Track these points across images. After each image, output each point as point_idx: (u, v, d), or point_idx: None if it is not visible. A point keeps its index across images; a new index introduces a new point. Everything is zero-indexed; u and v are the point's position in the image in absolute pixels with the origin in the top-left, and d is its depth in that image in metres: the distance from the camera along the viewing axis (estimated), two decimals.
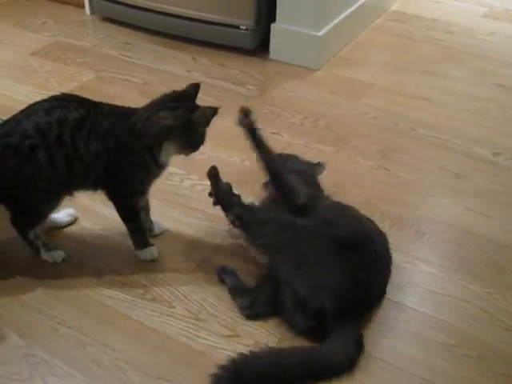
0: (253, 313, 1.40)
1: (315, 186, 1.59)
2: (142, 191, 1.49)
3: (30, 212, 1.44)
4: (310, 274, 1.32)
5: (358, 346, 1.31)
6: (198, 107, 1.42)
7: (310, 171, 1.62)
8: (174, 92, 1.45)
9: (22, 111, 1.39)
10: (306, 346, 1.33)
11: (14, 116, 1.39)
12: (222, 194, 1.46)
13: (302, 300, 1.32)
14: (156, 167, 1.45)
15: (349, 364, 1.29)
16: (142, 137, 1.39)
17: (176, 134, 1.41)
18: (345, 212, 1.48)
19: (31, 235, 1.50)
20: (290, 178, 1.47)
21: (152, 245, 1.55)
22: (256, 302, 1.40)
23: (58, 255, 1.53)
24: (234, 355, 1.28)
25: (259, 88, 2.38)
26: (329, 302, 1.30)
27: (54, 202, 1.45)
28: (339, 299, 1.30)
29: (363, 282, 1.34)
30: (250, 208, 1.46)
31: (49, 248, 1.52)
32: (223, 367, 1.23)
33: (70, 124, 1.34)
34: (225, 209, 1.46)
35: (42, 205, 1.44)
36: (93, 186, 1.45)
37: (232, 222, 1.39)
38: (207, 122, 1.43)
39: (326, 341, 1.30)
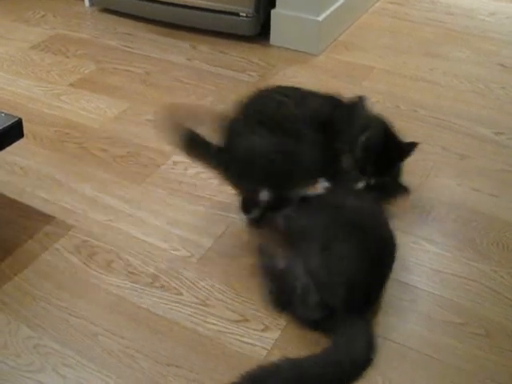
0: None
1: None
2: None
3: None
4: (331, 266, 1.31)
5: (371, 340, 1.30)
6: None
7: None
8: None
9: None
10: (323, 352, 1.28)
11: None
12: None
13: (316, 291, 1.31)
14: None
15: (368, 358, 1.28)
16: None
17: None
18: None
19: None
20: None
21: None
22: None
23: None
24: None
25: (260, 74, 2.38)
26: (342, 295, 1.29)
27: None
28: (352, 291, 1.30)
29: (375, 272, 1.34)
30: None
31: None
32: (244, 377, 1.21)
33: None
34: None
35: None
36: None
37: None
38: None
39: (339, 339, 1.29)
